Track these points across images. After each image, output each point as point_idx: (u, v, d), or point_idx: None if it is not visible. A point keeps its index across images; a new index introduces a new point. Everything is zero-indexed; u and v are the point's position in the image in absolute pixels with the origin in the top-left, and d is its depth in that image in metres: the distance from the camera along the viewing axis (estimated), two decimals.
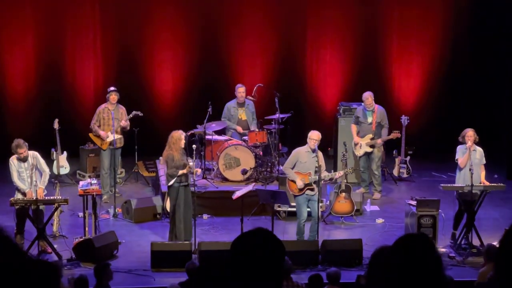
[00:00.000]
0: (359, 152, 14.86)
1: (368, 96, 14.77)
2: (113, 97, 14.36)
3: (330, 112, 17.17)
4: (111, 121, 14.26)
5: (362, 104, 14.89)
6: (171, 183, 12.02)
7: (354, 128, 14.96)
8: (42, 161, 12.20)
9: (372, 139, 14.77)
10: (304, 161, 12.17)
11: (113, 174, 14.41)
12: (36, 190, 11.78)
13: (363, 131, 14.84)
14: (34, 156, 12.10)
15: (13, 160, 12.04)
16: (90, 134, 14.63)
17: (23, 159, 11.97)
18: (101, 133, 14.33)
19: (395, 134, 14.92)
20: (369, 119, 14.78)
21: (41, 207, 12.01)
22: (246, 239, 3.05)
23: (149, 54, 17.74)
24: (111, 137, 14.24)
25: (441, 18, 18.16)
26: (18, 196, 12.02)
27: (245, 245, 3.01)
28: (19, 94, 17.48)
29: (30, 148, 12.12)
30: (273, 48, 17.95)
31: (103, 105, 14.49)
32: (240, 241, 3.04)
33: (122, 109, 14.52)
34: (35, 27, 17.30)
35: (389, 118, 14.98)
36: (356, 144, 14.89)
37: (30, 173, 11.95)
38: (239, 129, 15.11)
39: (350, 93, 17.54)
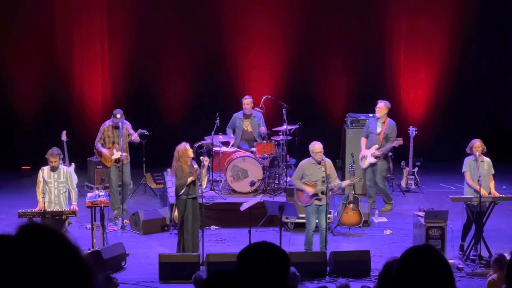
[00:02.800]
0: (365, 163, 14.76)
1: (382, 104, 14.64)
2: (117, 124, 14.19)
3: (338, 124, 17.15)
4: (116, 139, 14.13)
5: (375, 114, 14.82)
6: (181, 192, 12.00)
7: (363, 141, 14.84)
8: (73, 180, 12.34)
9: (378, 150, 14.67)
10: (309, 173, 12.21)
11: (124, 190, 14.31)
12: (45, 204, 11.85)
13: (371, 141, 14.74)
14: (68, 175, 12.19)
15: (43, 171, 12.09)
16: (95, 151, 14.56)
17: (53, 169, 12.04)
18: (104, 151, 14.14)
19: (398, 142, 14.74)
20: (378, 129, 14.71)
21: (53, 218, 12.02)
22: (251, 251, 3.05)
23: (157, 66, 17.78)
24: (116, 154, 14.13)
25: (449, 29, 18.15)
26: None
27: (251, 256, 3.01)
28: (27, 106, 17.53)
29: (44, 162, 12.20)
30: (281, 59, 17.97)
31: (107, 123, 14.31)
32: (245, 253, 3.05)
33: (127, 125, 14.36)
34: (43, 40, 17.37)
35: (397, 129, 14.93)
36: (362, 157, 14.80)
37: (57, 185, 12.04)
38: (230, 138, 15.12)
39: (358, 104, 17.53)
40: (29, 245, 1.85)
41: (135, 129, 14.51)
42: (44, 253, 1.86)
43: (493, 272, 9.67)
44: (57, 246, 1.89)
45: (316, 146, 12.17)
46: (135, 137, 14.33)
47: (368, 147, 14.74)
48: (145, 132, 14.57)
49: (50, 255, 1.85)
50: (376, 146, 14.63)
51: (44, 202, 11.93)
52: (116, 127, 14.17)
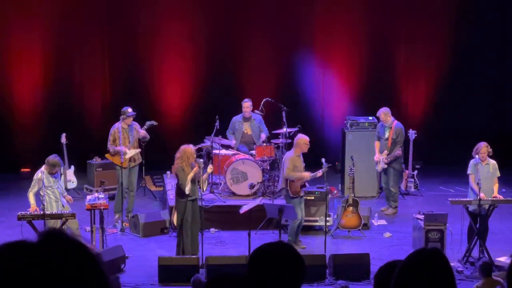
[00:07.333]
0: (379, 168, 14.85)
1: (380, 113, 14.78)
2: (130, 120, 14.04)
3: (337, 126, 17.15)
4: (126, 140, 13.91)
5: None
6: (187, 191, 11.92)
7: (376, 145, 14.92)
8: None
9: (387, 156, 14.73)
10: (298, 165, 12.63)
11: (129, 193, 14.22)
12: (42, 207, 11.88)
13: (381, 147, 14.84)
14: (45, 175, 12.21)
15: (43, 173, 12.05)
16: (108, 156, 14.25)
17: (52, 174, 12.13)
18: (119, 148, 13.77)
19: (398, 152, 14.70)
20: (386, 135, 14.78)
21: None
22: (265, 251, 2.99)
23: (157, 69, 17.77)
24: (130, 152, 13.92)
25: (448, 32, 18.14)
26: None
27: (265, 257, 2.95)
28: (26, 108, 17.52)
29: (39, 164, 12.20)
30: (280, 62, 17.96)
31: (116, 125, 14.00)
32: (259, 253, 2.98)
33: (136, 125, 14.18)
34: (43, 43, 17.36)
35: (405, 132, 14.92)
36: (377, 162, 14.84)
37: (56, 186, 12.17)
38: (232, 143, 15.12)
39: (357, 107, 17.54)
40: (51, 253, 1.85)
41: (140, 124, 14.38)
42: (65, 262, 1.85)
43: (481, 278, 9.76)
44: (78, 256, 1.88)
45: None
46: (143, 133, 14.16)
47: (380, 151, 14.78)
48: (154, 123, 14.34)
49: (71, 264, 1.85)
50: (386, 152, 14.67)
51: (44, 205, 11.90)
52: (128, 125, 13.94)
